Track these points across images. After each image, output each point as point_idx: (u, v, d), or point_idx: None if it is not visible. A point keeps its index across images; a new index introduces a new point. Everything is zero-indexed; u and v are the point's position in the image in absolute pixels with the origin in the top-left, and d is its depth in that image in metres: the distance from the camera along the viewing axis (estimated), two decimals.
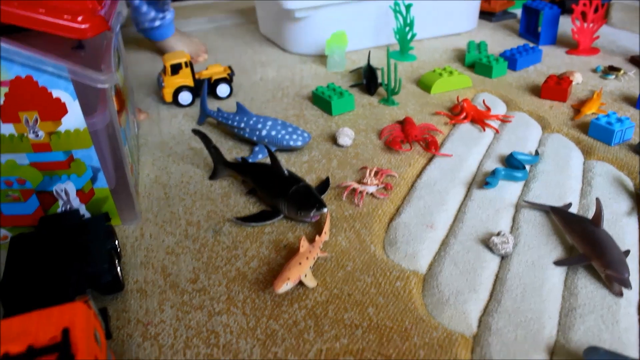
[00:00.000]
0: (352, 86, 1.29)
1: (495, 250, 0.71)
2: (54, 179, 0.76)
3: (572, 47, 1.44)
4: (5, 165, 0.73)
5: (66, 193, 0.78)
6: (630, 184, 0.85)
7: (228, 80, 1.27)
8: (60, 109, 0.70)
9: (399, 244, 0.75)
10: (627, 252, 0.68)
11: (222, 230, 0.81)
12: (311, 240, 0.75)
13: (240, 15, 2.01)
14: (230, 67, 1.30)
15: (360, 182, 0.88)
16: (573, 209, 0.80)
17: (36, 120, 0.71)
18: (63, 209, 0.79)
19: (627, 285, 0.62)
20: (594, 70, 1.29)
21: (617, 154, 0.93)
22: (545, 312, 0.62)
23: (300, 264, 0.68)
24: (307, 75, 1.40)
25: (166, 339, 0.63)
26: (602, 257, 0.65)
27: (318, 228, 0.80)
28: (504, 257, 0.71)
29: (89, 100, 0.75)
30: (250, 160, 0.98)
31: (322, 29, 1.46)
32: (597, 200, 0.72)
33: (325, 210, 0.78)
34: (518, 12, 1.79)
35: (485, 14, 1.75)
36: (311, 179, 0.92)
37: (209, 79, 1.26)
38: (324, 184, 0.89)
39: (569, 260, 0.69)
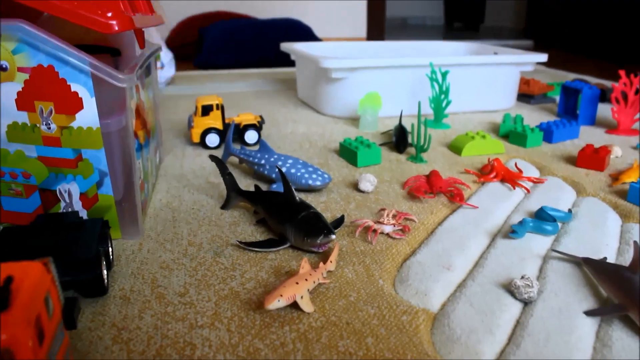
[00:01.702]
0: (381, 145, 1.27)
1: (518, 294, 0.63)
2: (59, 177, 0.74)
3: (612, 128, 1.39)
4: (13, 156, 0.72)
5: (69, 194, 0.75)
6: None
7: (257, 128, 1.28)
8: (76, 104, 0.70)
9: (410, 281, 0.68)
10: None
11: (223, 252, 0.76)
12: (315, 266, 0.69)
13: (281, 83, 2.07)
14: (261, 116, 1.31)
15: (377, 222, 0.83)
16: None
17: (51, 112, 0.70)
18: (64, 211, 0.76)
19: None
20: (635, 148, 1.23)
21: None
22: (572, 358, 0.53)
23: (297, 283, 0.62)
24: (338, 132, 1.39)
25: (138, 345, 0.57)
26: None
27: (325, 259, 0.74)
28: (527, 303, 0.63)
29: (108, 106, 0.74)
30: None
31: (357, 92, 1.47)
32: (635, 243, 0.64)
33: (333, 237, 0.72)
34: (557, 98, 1.78)
35: (524, 96, 1.74)
36: (325, 217, 0.87)
37: (238, 124, 1.26)
38: (338, 221, 0.84)
39: (602, 310, 0.60)
